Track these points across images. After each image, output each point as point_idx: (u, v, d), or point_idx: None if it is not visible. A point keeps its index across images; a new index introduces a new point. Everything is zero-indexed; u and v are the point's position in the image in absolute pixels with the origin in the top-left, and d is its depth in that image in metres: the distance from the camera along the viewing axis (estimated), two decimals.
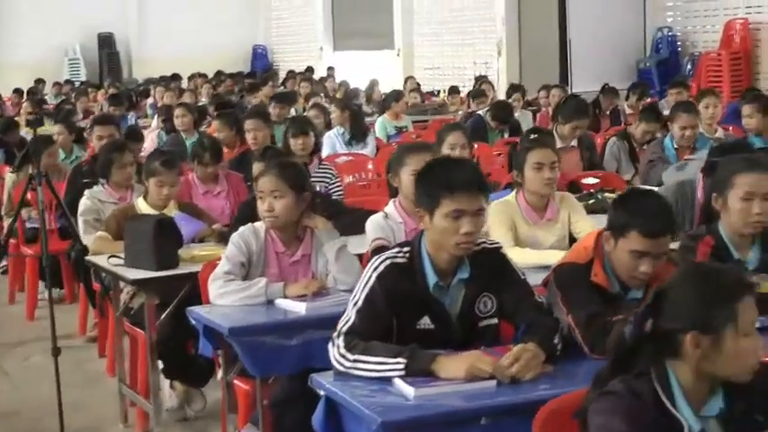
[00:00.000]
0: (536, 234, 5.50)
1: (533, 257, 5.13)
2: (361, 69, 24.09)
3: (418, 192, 3.83)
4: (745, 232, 4.30)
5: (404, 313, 3.76)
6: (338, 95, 17.10)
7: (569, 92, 17.27)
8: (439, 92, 18.77)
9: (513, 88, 13.59)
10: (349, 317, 3.72)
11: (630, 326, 2.82)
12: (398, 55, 24.01)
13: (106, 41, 27.14)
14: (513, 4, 19.74)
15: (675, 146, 8.00)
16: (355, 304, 3.73)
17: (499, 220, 5.47)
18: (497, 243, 4.01)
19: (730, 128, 10.95)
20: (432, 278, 3.78)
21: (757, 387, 2.77)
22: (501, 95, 18.86)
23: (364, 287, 3.74)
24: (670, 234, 3.85)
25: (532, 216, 5.53)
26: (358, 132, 10.81)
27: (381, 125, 12.46)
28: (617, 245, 3.79)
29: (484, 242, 3.93)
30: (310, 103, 12.77)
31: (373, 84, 18.25)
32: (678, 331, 2.70)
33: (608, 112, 12.63)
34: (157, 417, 5.38)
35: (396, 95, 12.83)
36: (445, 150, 6.87)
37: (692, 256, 4.28)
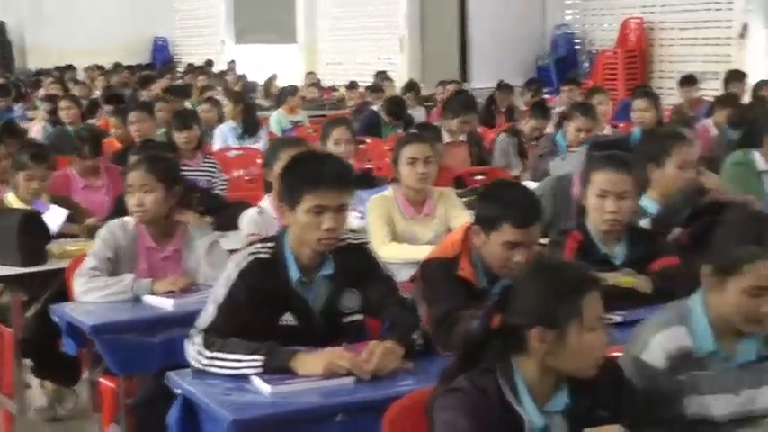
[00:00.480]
0: (414, 229, 5.47)
1: (409, 252, 5.12)
2: (264, 63, 23.97)
3: (281, 186, 3.77)
4: (602, 229, 4.30)
5: (266, 309, 3.69)
6: (236, 89, 16.94)
7: (468, 88, 17.50)
8: (339, 87, 18.68)
9: (408, 85, 13.56)
10: (208, 313, 3.64)
11: (478, 321, 2.77)
12: (300, 49, 23.88)
13: None
14: (416, 1, 19.77)
15: (567, 143, 8.02)
16: (215, 300, 3.65)
17: (377, 215, 5.44)
18: (363, 238, 3.97)
19: (621, 125, 11.11)
20: (294, 274, 3.72)
21: (602, 382, 2.77)
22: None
23: (226, 283, 3.67)
24: (539, 222, 3.86)
25: (410, 211, 5.50)
26: (250, 126, 10.69)
27: (276, 120, 12.37)
28: (489, 238, 3.79)
29: (349, 238, 3.88)
30: (203, 97, 12.61)
31: (272, 78, 18.11)
32: (524, 326, 2.68)
33: (503, 109, 12.66)
34: (22, 417, 5.23)
35: (291, 90, 12.76)
36: (330, 145, 6.82)
37: (560, 252, 4.28)
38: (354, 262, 3.83)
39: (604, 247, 4.33)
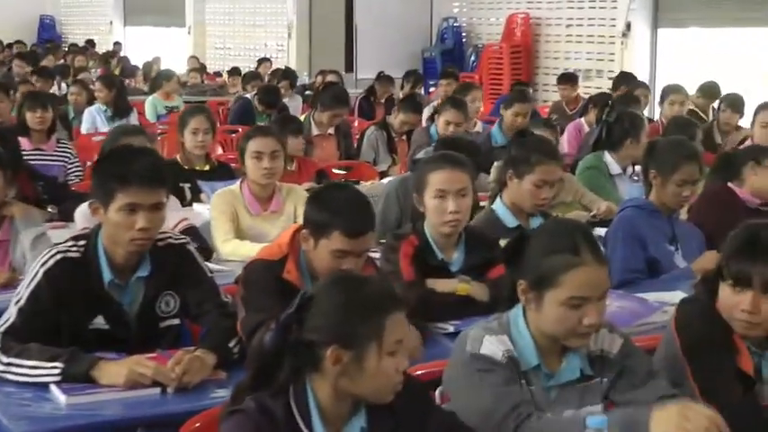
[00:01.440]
0: (259, 226, 5.31)
1: (250, 250, 4.88)
2: (152, 46, 23.54)
3: (92, 183, 3.56)
4: (443, 232, 4.18)
5: (75, 312, 3.51)
6: (116, 72, 16.57)
7: (354, 78, 17.37)
8: (222, 73, 18.38)
9: (284, 73, 13.32)
10: (9, 316, 3.44)
11: (271, 333, 2.59)
12: (189, 33, 23.46)
13: None
14: None
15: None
16: (18, 302, 3.44)
17: (220, 211, 5.27)
18: (183, 238, 3.78)
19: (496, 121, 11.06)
20: (107, 274, 3.54)
21: (405, 405, 2.62)
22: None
23: (29, 283, 3.47)
24: (371, 231, 3.71)
25: (255, 207, 5.33)
26: (121, 109, 10.40)
27: (151, 104, 12.07)
28: (317, 244, 3.62)
29: (170, 237, 3.70)
30: (73, 79, 12.25)
31: (152, 61, 17.74)
32: (319, 344, 2.51)
33: (383, 100, 12.54)
34: None
35: (167, 74, 12.48)
36: (187, 134, 6.60)
37: (395, 256, 4.14)
38: (173, 263, 3.65)
39: (442, 252, 4.20)
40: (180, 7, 23.51)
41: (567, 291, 2.81)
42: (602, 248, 2.94)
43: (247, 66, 18.21)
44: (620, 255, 4.83)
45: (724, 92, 10.23)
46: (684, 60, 14.91)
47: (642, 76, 14.96)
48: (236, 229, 5.24)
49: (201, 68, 18.08)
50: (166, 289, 3.63)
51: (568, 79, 12.26)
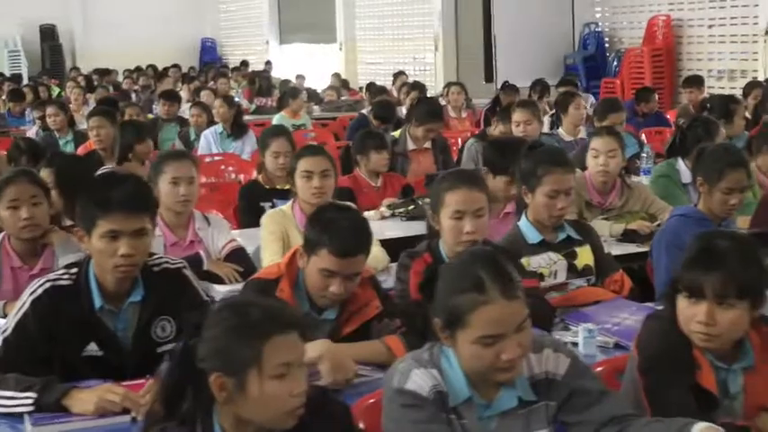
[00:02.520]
0: None
1: None
2: (306, 64, 23.97)
3: (77, 210, 3.63)
4: (459, 251, 4.09)
5: (66, 339, 3.55)
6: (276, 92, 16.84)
7: (495, 87, 17.20)
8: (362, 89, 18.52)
9: (413, 85, 13.31)
10: None
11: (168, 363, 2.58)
12: (341, 49, 23.78)
13: (48, 33, 26.78)
14: None
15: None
16: (4, 332, 3.51)
17: (269, 231, 5.30)
18: (180, 263, 3.81)
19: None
20: (98, 301, 3.58)
21: (320, 427, 2.58)
22: (438, 91, 18.75)
23: (17, 313, 3.53)
24: (363, 254, 3.69)
25: None
26: (237, 130, 10.57)
27: (278, 122, 12.18)
28: (309, 262, 3.65)
29: (166, 262, 3.73)
30: (192, 101, 12.52)
31: (297, 80, 18.01)
32: (207, 372, 2.50)
33: None
34: None
35: (292, 92, 12.62)
36: (268, 157, 6.68)
37: (406, 274, 4.09)
38: (168, 287, 3.68)
39: None
40: (331, 24, 23.88)
41: (477, 330, 2.69)
42: (515, 279, 2.78)
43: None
44: (663, 265, 4.68)
45: None
46: None
47: None
48: (287, 249, 5.25)
49: (344, 84, 18.25)
50: (161, 314, 3.65)
51: (694, 82, 11.90)
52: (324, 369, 3.42)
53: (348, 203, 4.43)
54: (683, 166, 6.17)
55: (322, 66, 23.44)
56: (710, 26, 15.92)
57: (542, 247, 4.60)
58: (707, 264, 2.92)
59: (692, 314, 2.94)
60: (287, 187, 6.58)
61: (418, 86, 12.92)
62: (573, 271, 4.63)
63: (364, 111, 11.25)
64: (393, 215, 6.60)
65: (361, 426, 2.97)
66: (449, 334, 2.76)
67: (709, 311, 2.91)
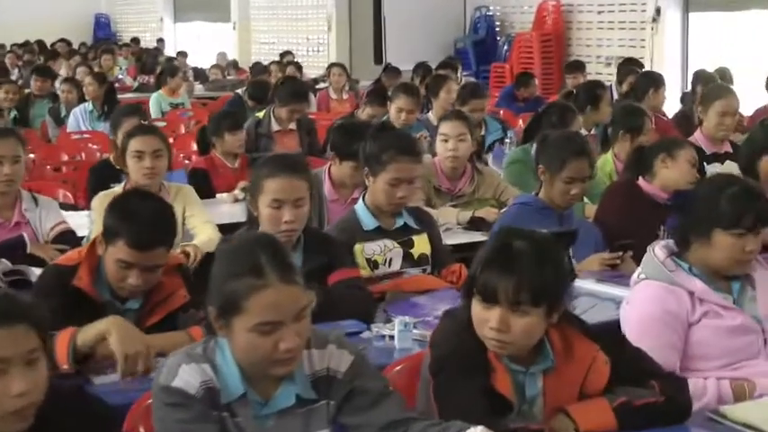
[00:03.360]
0: None
1: None
2: (200, 43, 23.57)
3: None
4: None
5: None
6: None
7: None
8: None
9: (295, 66, 13.11)
10: None
11: None
12: (234, 28, 23.40)
13: None
14: None
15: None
16: None
17: (98, 213, 5.00)
18: None
19: (501, 111, 10.72)
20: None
21: None
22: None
23: None
24: (163, 247, 3.49)
25: None
26: (109, 110, 10.24)
27: (156, 101, 11.93)
28: (107, 251, 3.44)
29: None
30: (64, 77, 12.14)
31: (179, 58, 17.67)
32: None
33: (390, 93, 12.20)
34: None
35: (170, 70, 12.32)
36: (120, 136, 6.40)
37: None
38: None
39: None
40: (226, 3, 23.46)
41: (254, 317, 2.51)
42: (293, 265, 2.63)
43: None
44: None
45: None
46: (717, 45, 14.40)
47: (674, 61, 14.59)
48: None
49: (233, 64, 17.95)
50: None
51: (576, 67, 11.87)
52: (112, 341, 3.23)
53: (150, 193, 4.16)
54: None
55: (216, 45, 23.05)
56: (600, 12, 15.92)
57: (378, 233, 4.44)
58: (501, 267, 2.73)
59: (484, 318, 2.75)
60: None
61: (300, 67, 12.68)
62: (409, 260, 4.48)
63: (239, 90, 10.99)
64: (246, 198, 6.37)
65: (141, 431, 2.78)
66: (224, 323, 2.58)
67: (502, 318, 2.72)
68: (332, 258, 3.98)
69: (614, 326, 3.48)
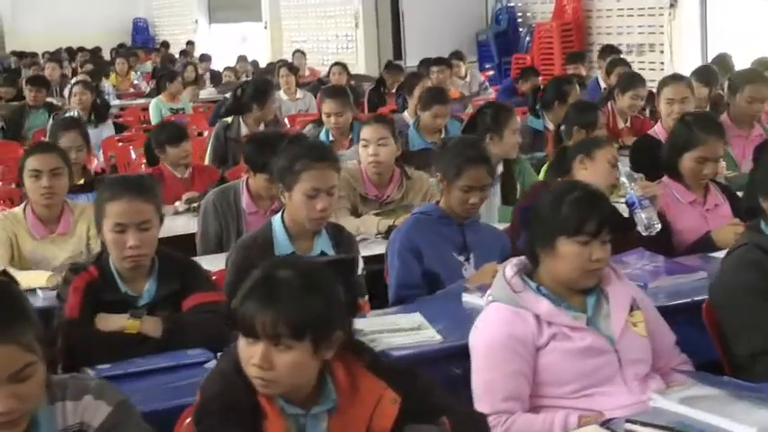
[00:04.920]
0: (43, 250, 4.93)
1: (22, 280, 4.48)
2: (234, 44, 23.48)
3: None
4: (125, 267, 3.73)
5: None
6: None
7: (404, 66, 16.81)
8: None
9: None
10: None
11: None
12: (266, 28, 23.30)
13: None
14: None
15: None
16: None
17: None
18: None
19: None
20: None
21: None
22: (360, 68, 18.32)
23: None
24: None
25: (39, 230, 4.97)
26: (96, 117, 10.16)
27: (155, 106, 11.79)
28: None
29: None
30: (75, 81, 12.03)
31: (201, 59, 17.58)
32: None
33: (393, 90, 11.98)
34: None
35: (170, 75, 12.20)
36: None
37: (66, 292, 3.70)
38: None
39: (126, 285, 3.74)
40: (257, 2, 23.37)
41: None
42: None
43: (323, 58, 17.72)
44: (396, 270, 4.34)
45: None
46: (738, 31, 13.96)
47: (692, 47, 14.20)
48: (18, 255, 4.89)
49: (252, 65, 17.81)
50: None
51: (577, 59, 11.58)
52: None
53: None
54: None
55: (249, 45, 22.97)
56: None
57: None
58: (260, 299, 2.51)
59: (248, 355, 2.53)
60: (80, 182, 6.25)
61: (294, 70, 12.44)
62: None
63: (228, 95, 10.84)
64: (189, 210, 6.22)
65: None
66: None
67: (263, 354, 2.50)
68: (187, 282, 3.77)
69: (405, 360, 3.35)
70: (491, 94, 12.76)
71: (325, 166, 4.11)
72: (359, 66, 18.90)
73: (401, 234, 4.43)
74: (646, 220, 4.47)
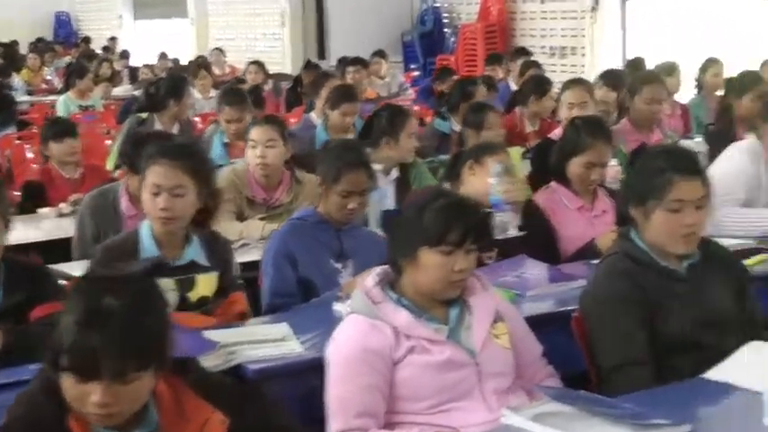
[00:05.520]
0: None
1: None
2: (159, 40, 23.14)
3: None
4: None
5: None
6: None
7: (327, 66, 16.68)
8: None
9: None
10: None
11: None
12: (192, 24, 23.00)
13: None
14: None
15: None
16: None
17: None
18: None
19: (417, 107, 10.34)
20: None
21: None
22: (287, 67, 18.12)
23: None
24: None
25: None
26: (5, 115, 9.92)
27: (63, 104, 11.52)
28: None
29: None
30: None
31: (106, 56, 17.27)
32: None
33: None
34: None
35: (79, 72, 11.93)
36: None
37: None
38: None
39: None
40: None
41: None
42: None
43: (249, 56, 17.46)
44: (269, 279, 4.18)
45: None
46: (657, 32, 13.99)
47: (613, 50, 14.23)
48: None
49: (172, 62, 17.55)
50: None
51: (495, 60, 11.53)
52: None
53: None
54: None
55: (176, 42, 22.66)
56: (543, 1, 15.54)
57: (155, 270, 3.77)
58: (90, 334, 2.25)
59: (81, 394, 2.28)
60: None
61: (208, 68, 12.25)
62: (185, 303, 3.88)
63: (137, 92, 10.62)
64: (74, 212, 5.98)
65: None
66: None
67: (107, 391, 2.26)
68: (36, 291, 3.55)
69: (264, 374, 3.27)
70: (411, 95, 12.67)
71: (169, 163, 3.84)
72: (285, 64, 18.72)
73: (276, 240, 4.28)
74: (501, 224, 4.37)
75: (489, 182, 4.45)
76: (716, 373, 3.09)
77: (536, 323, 3.61)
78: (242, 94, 7.28)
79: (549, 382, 3.26)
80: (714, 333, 3.29)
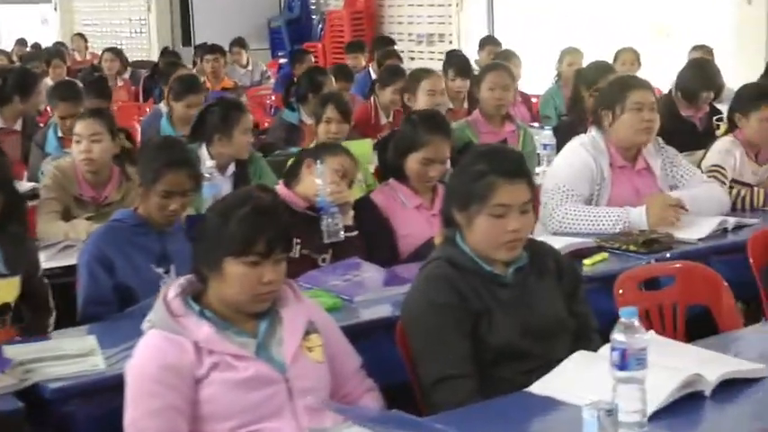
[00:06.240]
0: None
1: None
2: (24, 26, 22.41)
3: None
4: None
5: None
6: None
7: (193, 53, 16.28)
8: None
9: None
10: None
11: None
12: (56, 9, 22.34)
13: None
14: None
15: None
16: None
17: None
18: None
19: (273, 96, 10.10)
20: None
21: None
22: (153, 54, 17.64)
23: None
24: None
25: None
26: None
27: None
28: None
29: None
30: None
31: None
32: None
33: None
34: None
35: None
36: None
37: None
38: None
39: None
40: None
41: None
42: None
43: (115, 42, 16.99)
44: (83, 284, 3.92)
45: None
46: (526, 21, 13.94)
47: (477, 37, 14.12)
48: None
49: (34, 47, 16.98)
50: None
51: (356, 48, 11.31)
52: None
53: None
54: (205, 154, 5.37)
55: (42, 28, 21.97)
56: None
57: None
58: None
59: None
60: None
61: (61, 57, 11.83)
62: None
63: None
64: None
65: None
66: None
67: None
68: None
69: (62, 393, 3.02)
70: (273, 83, 12.40)
71: None
72: (152, 51, 18.27)
73: (90, 243, 4.02)
74: (329, 227, 4.19)
75: (316, 183, 4.25)
76: (539, 387, 2.93)
77: (363, 330, 3.45)
78: (76, 88, 6.94)
79: (367, 397, 3.09)
80: (542, 341, 3.15)
